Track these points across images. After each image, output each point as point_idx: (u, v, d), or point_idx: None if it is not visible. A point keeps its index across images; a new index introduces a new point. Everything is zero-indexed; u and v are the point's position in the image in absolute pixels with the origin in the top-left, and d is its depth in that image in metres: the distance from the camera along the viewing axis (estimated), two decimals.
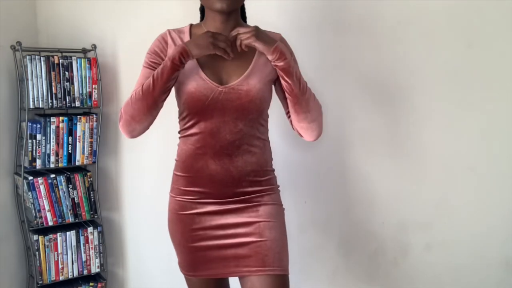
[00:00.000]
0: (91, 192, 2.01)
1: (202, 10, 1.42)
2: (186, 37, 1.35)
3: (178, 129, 1.40)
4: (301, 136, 1.39)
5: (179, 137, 1.40)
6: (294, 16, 1.90)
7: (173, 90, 1.35)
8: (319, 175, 1.98)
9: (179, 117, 1.39)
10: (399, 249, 1.99)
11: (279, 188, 1.43)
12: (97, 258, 2.05)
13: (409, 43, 1.87)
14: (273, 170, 1.43)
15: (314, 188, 1.97)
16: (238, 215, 1.34)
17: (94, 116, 1.98)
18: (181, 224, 1.39)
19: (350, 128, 1.92)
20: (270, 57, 1.26)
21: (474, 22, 1.82)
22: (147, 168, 2.13)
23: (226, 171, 1.31)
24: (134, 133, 1.33)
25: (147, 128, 1.34)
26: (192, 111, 1.31)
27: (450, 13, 1.83)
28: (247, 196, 1.34)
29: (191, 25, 1.39)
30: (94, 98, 1.98)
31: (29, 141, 1.87)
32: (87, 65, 1.95)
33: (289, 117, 1.39)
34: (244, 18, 1.44)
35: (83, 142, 1.97)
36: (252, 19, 1.46)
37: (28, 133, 1.86)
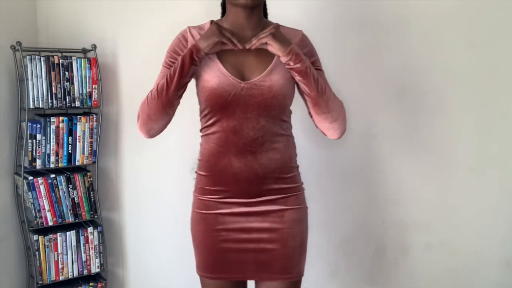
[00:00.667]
0: (91, 192, 2.01)
1: (224, 5, 1.39)
2: None
3: (200, 127, 1.38)
4: (325, 134, 1.37)
5: (201, 136, 1.38)
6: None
7: (194, 89, 1.33)
8: (319, 176, 1.98)
9: (200, 115, 1.37)
10: (399, 249, 1.99)
11: (303, 186, 1.41)
12: (97, 258, 2.05)
13: (409, 43, 1.87)
14: (298, 167, 1.40)
15: (314, 189, 1.97)
16: (263, 219, 1.32)
17: (94, 116, 1.98)
18: (204, 223, 1.36)
19: (349, 128, 1.92)
20: (284, 59, 1.24)
21: (474, 22, 1.82)
22: (147, 168, 2.13)
23: (250, 168, 1.29)
24: (152, 132, 1.33)
25: (164, 127, 1.33)
26: (214, 108, 1.29)
27: (450, 13, 1.83)
28: (273, 197, 1.32)
29: (211, 22, 1.36)
30: (94, 98, 1.98)
31: (29, 141, 1.87)
32: (87, 65, 1.95)
33: (311, 116, 1.37)
34: (265, 14, 1.42)
35: (83, 142, 1.97)
36: (273, 15, 1.45)
37: (28, 133, 1.86)
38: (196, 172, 1.41)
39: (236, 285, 1.40)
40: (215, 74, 1.26)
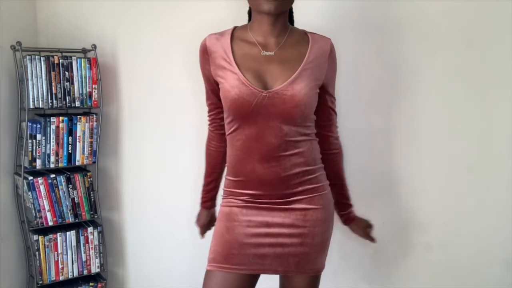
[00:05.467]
0: (91, 192, 2.01)
1: (250, 12, 1.39)
2: (226, 41, 1.31)
3: (226, 132, 1.38)
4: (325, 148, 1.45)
5: (227, 141, 1.38)
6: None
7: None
8: None
9: (225, 121, 1.37)
10: (399, 249, 1.99)
11: (328, 185, 1.42)
12: (97, 258, 2.05)
13: (409, 43, 1.87)
14: (322, 167, 1.41)
15: None
16: (286, 215, 1.33)
17: (94, 116, 1.98)
18: (229, 214, 1.36)
19: (350, 128, 1.92)
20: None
21: (474, 22, 1.82)
22: (147, 168, 2.13)
23: (275, 173, 1.30)
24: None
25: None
26: (237, 117, 1.29)
27: (450, 13, 1.83)
28: (298, 197, 1.33)
29: (234, 28, 1.36)
30: (94, 98, 1.98)
31: (29, 141, 1.87)
32: (87, 65, 1.95)
33: (318, 126, 1.42)
34: (291, 21, 1.42)
35: (83, 142, 1.97)
36: (299, 22, 1.44)
37: (28, 133, 1.86)
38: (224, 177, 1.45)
39: (245, 280, 1.36)
40: (235, 84, 1.26)
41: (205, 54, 1.33)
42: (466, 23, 1.83)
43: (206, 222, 1.58)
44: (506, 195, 1.86)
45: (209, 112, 1.44)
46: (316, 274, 1.38)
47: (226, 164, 1.41)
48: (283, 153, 1.29)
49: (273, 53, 1.29)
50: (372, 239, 1.55)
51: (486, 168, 1.88)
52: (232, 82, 1.26)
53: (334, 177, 1.46)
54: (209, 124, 1.46)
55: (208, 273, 1.36)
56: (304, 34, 1.36)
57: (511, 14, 1.79)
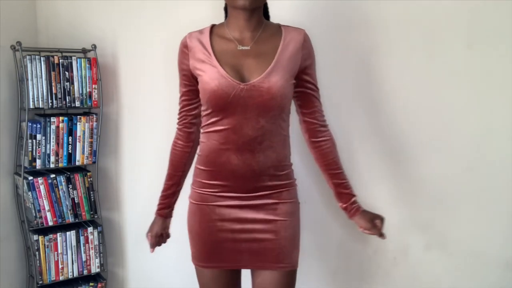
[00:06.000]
0: (91, 192, 2.01)
1: (226, 9, 1.43)
2: (205, 38, 1.35)
3: (202, 124, 1.41)
4: (305, 135, 1.46)
5: (202, 132, 1.41)
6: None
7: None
8: (319, 175, 1.98)
9: (202, 114, 1.40)
10: (399, 249, 1.99)
11: (296, 182, 1.46)
12: (97, 258, 2.05)
13: (409, 43, 1.87)
14: (291, 164, 1.45)
15: (314, 188, 1.97)
16: (257, 211, 1.37)
17: (94, 116, 1.98)
18: (200, 214, 1.41)
19: (349, 128, 1.92)
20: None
21: (474, 22, 1.82)
22: (147, 168, 2.12)
23: (248, 166, 1.34)
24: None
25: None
26: (216, 108, 1.32)
27: (450, 13, 1.83)
28: (267, 192, 1.37)
29: (212, 26, 1.40)
30: (94, 98, 1.98)
31: (29, 141, 1.87)
32: (87, 65, 1.95)
33: (298, 112, 1.46)
34: (267, 16, 1.45)
35: (83, 142, 1.97)
36: (275, 16, 1.46)
37: (28, 133, 1.86)
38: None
39: (231, 273, 1.44)
40: (215, 76, 1.30)
41: (185, 49, 1.37)
42: (466, 23, 1.83)
43: (159, 233, 1.52)
44: (506, 195, 1.86)
45: (181, 109, 1.46)
46: (293, 269, 1.40)
47: (198, 154, 1.45)
48: (258, 146, 1.33)
49: (249, 47, 1.33)
50: (381, 234, 1.42)
51: (486, 168, 1.88)
52: (212, 75, 1.30)
53: (329, 165, 1.47)
54: (178, 123, 1.48)
55: (197, 270, 1.45)
56: (279, 27, 1.40)
57: (511, 14, 1.79)
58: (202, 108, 1.39)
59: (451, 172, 1.91)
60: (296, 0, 1.88)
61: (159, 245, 1.55)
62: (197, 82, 1.36)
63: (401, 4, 1.85)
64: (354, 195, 1.48)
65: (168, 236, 1.56)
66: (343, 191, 1.47)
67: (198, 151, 1.45)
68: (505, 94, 1.83)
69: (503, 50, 1.81)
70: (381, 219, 1.43)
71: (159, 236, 1.52)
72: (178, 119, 1.47)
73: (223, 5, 1.45)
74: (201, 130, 1.42)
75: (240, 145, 1.32)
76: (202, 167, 1.41)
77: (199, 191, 1.41)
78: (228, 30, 1.36)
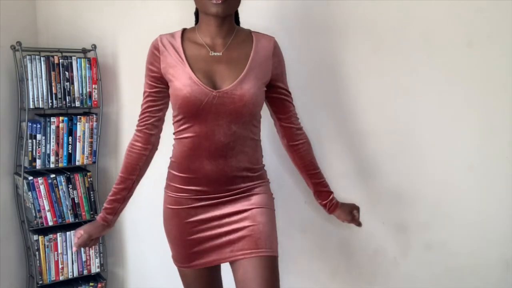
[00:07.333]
0: (91, 192, 2.01)
1: (197, 14, 1.43)
2: (177, 42, 1.35)
3: (173, 131, 1.41)
4: (281, 139, 1.50)
5: (174, 138, 1.42)
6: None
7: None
8: None
9: (173, 119, 1.40)
10: (399, 249, 1.99)
11: (269, 181, 1.49)
12: (97, 258, 2.05)
13: (409, 43, 1.87)
14: (263, 166, 1.48)
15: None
16: (232, 205, 1.39)
17: (94, 116, 1.98)
18: (176, 218, 1.41)
19: (349, 128, 1.92)
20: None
21: (474, 22, 1.82)
22: None
23: (221, 171, 1.35)
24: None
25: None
26: (187, 115, 1.33)
27: (450, 13, 1.83)
28: (241, 190, 1.40)
29: (183, 30, 1.40)
30: (94, 98, 1.98)
31: (29, 141, 1.87)
32: (87, 65, 1.95)
33: (274, 118, 1.48)
34: (237, 22, 1.46)
35: (83, 142, 1.97)
36: (246, 22, 1.47)
37: (28, 133, 1.86)
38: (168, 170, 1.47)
39: (213, 270, 1.46)
40: (187, 83, 1.29)
41: (157, 51, 1.36)
42: (466, 23, 1.83)
43: (93, 237, 1.42)
44: (506, 195, 1.86)
45: (144, 109, 1.41)
46: (273, 255, 1.37)
47: (171, 159, 1.45)
48: (231, 151, 1.35)
49: (220, 54, 1.34)
50: (359, 223, 1.56)
51: (486, 168, 1.88)
52: (184, 81, 1.29)
53: (308, 167, 1.50)
54: (138, 124, 1.42)
55: (180, 271, 1.46)
56: (249, 33, 1.41)
57: (511, 14, 1.78)
58: (173, 113, 1.39)
59: (451, 172, 1.91)
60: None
61: (94, 245, 1.53)
62: (166, 85, 1.36)
63: (401, 4, 1.85)
64: (332, 192, 1.54)
65: (97, 241, 1.51)
66: (322, 189, 1.53)
67: (171, 156, 1.45)
68: (505, 94, 1.83)
69: (503, 50, 1.81)
70: (357, 209, 1.56)
71: (91, 240, 1.42)
72: (140, 120, 1.41)
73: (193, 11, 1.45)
74: (173, 136, 1.42)
75: (212, 151, 1.33)
76: (175, 173, 1.41)
77: (173, 195, 1.42)
78: (200, 35, 1.36)
